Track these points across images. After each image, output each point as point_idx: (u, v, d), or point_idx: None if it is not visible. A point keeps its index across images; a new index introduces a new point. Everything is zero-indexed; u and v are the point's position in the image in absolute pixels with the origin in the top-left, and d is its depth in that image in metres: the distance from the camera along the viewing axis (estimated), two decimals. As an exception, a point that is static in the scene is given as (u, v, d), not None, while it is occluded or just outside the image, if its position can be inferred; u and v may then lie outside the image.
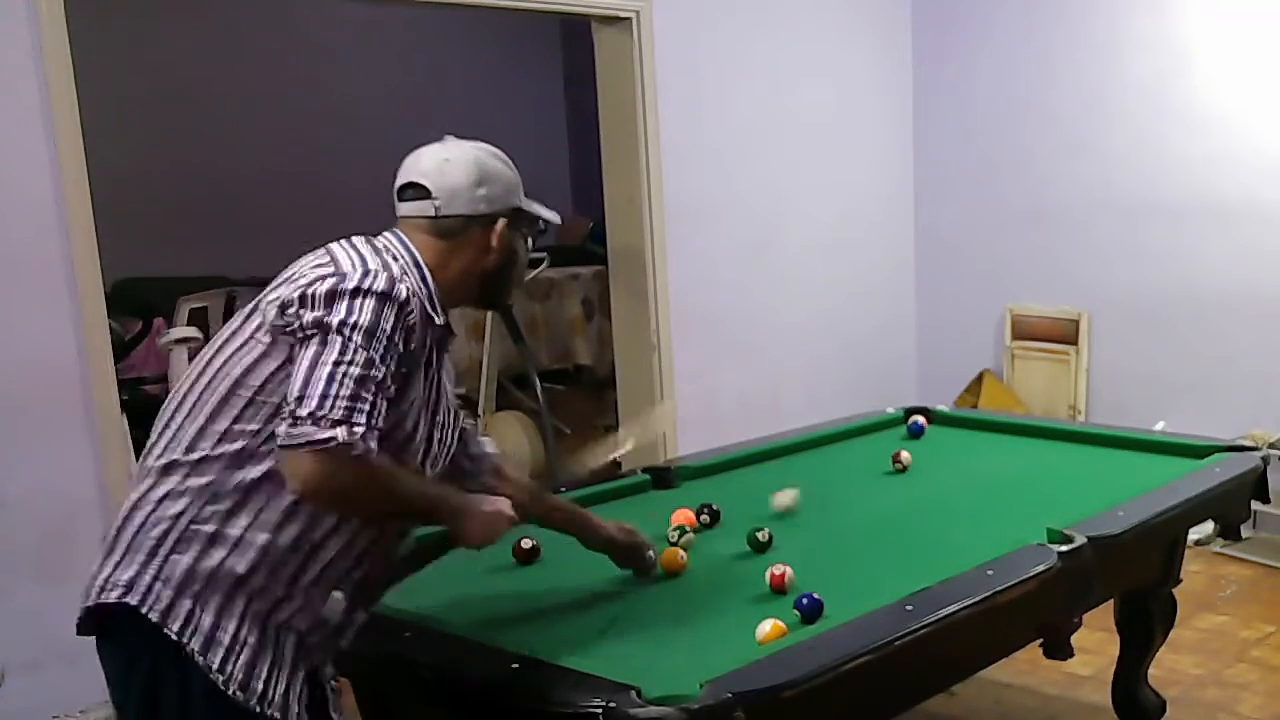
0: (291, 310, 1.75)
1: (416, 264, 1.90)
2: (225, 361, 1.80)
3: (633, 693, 1.67)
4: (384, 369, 1.73)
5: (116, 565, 1.76)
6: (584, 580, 2.36)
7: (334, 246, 1.89)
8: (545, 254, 7.02)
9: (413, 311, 1.79)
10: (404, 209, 1.98)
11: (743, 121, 5.10)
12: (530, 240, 2.09)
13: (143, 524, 1.76)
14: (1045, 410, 5.43)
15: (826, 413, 3.97)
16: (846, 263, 5.61)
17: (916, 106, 5.86)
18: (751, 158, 5.15)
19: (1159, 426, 4.58)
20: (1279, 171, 4.79)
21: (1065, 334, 5.48)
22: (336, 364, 1.69)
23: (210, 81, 7.93)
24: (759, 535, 2.47)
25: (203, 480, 1.75)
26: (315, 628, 1.81)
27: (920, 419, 3.59)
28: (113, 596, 1.74)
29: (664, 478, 3.06)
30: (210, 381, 1.80)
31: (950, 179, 5.82)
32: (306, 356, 1.71)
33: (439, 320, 1.91)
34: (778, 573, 2.22)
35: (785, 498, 2.76)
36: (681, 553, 2.39)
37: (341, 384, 1.68)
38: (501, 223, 1.98)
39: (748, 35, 5.10)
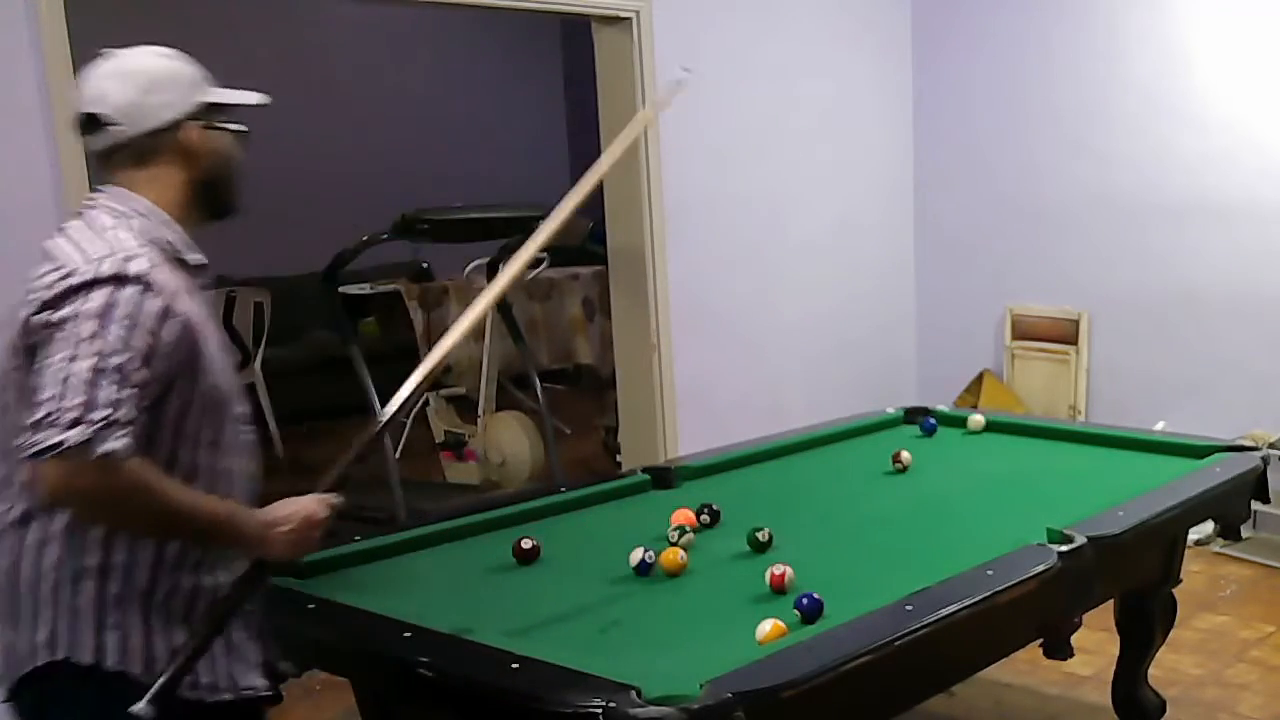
0: (37, 324, 1.65)
1: (145, 211, 1.77)
2: (5, 410, 1.72)
3: (633, 693, 1.67)
4: (125, 356, 1.60)
5: (31, 629, 1.71)
6: (584, 580, 2.37)
7: (53, 245, 1.76)
8: (545, 254, 7.03)
9: (152, 285, 1.66)
10: (92, 145, 1.80)
11: (743, 121, 5.10)
12: (239, 131, 1.91)
13: (33, 581, 1.70)
14: (1045, 410, 5.43)
15: (826, 413, 3.97)
16: (846, 262, 5.61)
17: (916, 106, 5.86)
18: (752, 157, 5.15)
19: (1159, 426, 4.59)
20: (1279, 171, 4.79)
21: (1065, 334, 5.47)
22: (71, 360, 1.58)
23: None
24: (759, 535, 2.47)
25: (59, 523, 1.69)
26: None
27: (933, 418, 3.60)
28: (41, 660, 1.70)
29: (664, 478, 3.05)
30: (6, 433, 1.71)
31: (950, 179, 5.82)
32: (44, 363, 1.61)
33: (194, 260, 1.83)
34: (778, 573, 2.22)
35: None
36: (681, 553, 2.39)
37: (70, 383, 1.57)
38: (192, 125, 1.82)
39: (748, 35, 5.10)
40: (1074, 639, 2.48)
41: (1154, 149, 5.11)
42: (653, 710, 1.62)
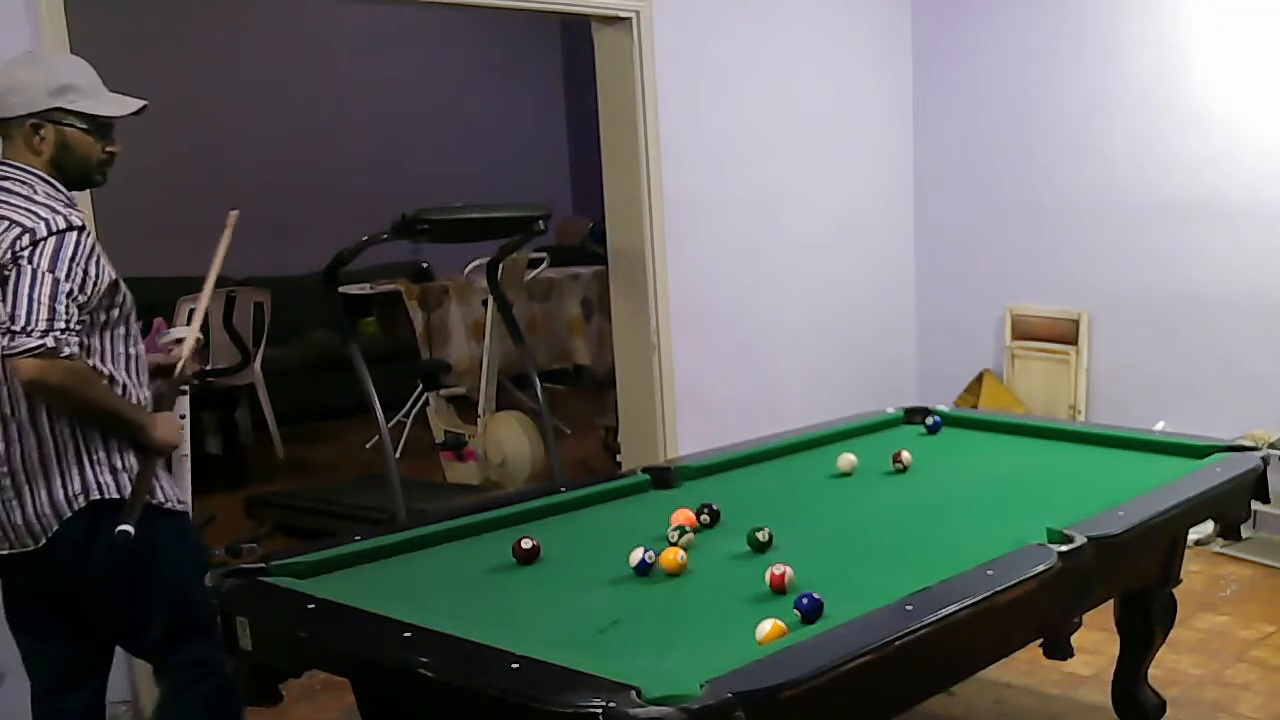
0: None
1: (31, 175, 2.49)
2: None
3: (633, 693, 1.67)
4: (70, 284, 2.36)
5: (61, 487, 2.48)
6: (584, 580, 2.37)
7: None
8: (545, 254, 7.04)
9: (83, 227, 2.41)
10: None
11: (743, 121, 5.10)
12: (102, 134, 2.55)
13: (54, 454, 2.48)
14: (1045, 410, 5.43)
15: (826, 413, 3.97)
16: (846, 262, 5.61)
17: (916, 106, 5.86)
18: (752, 157, 5.15)
19: (1159, 426, 4.59)
20: (1279, 171, 4.79)
21: (1065, 334, 5.47)
22: (33, 287, 2.33)
23: (211, 81, 7.94)
24: (759, 535, 2.47)
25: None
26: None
27: (938, 417, 3.60)
28: (78, 505, 2.48)
29: (664, 478, 3.05)
30: None
31: (950, 178, 5.82)
32: (15, 289, 2.33)
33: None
34: (778, 573, 2.21)
35: (845, 463, 3.06)
36: (681, 553, 2.39)
37: (38, 303, 2.33)
38: (34, 121, 2.47)
39: (748, 35, 5.10)
40: (1074, 639, 2.48)
41: (1154, 149, 5.11)
42: (653, 710, 1.62)
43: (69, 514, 2.48)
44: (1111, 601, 3.03)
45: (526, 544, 2.45)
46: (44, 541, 2.49)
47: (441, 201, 4.65)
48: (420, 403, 6.47)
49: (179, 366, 2.79)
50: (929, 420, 3.60)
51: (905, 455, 3.16)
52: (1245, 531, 3.17)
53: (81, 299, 2.38)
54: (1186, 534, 3.03)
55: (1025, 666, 3.49)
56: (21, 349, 2.31)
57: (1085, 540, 2.35)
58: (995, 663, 2.59)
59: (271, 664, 2.18)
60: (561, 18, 6.80)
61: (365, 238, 4.32)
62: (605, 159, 4.88)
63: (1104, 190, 5.30)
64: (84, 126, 2.51)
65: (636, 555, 2.36)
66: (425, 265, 7.50)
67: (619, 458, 5.21)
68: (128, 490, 2.51)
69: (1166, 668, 3.51)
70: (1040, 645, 2.49)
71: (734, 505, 2.74)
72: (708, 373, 5.01)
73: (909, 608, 2.02)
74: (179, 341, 2.88)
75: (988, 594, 2.12)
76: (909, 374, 5.97)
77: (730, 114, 5.04)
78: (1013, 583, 2.18)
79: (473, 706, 1.82)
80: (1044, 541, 2.35)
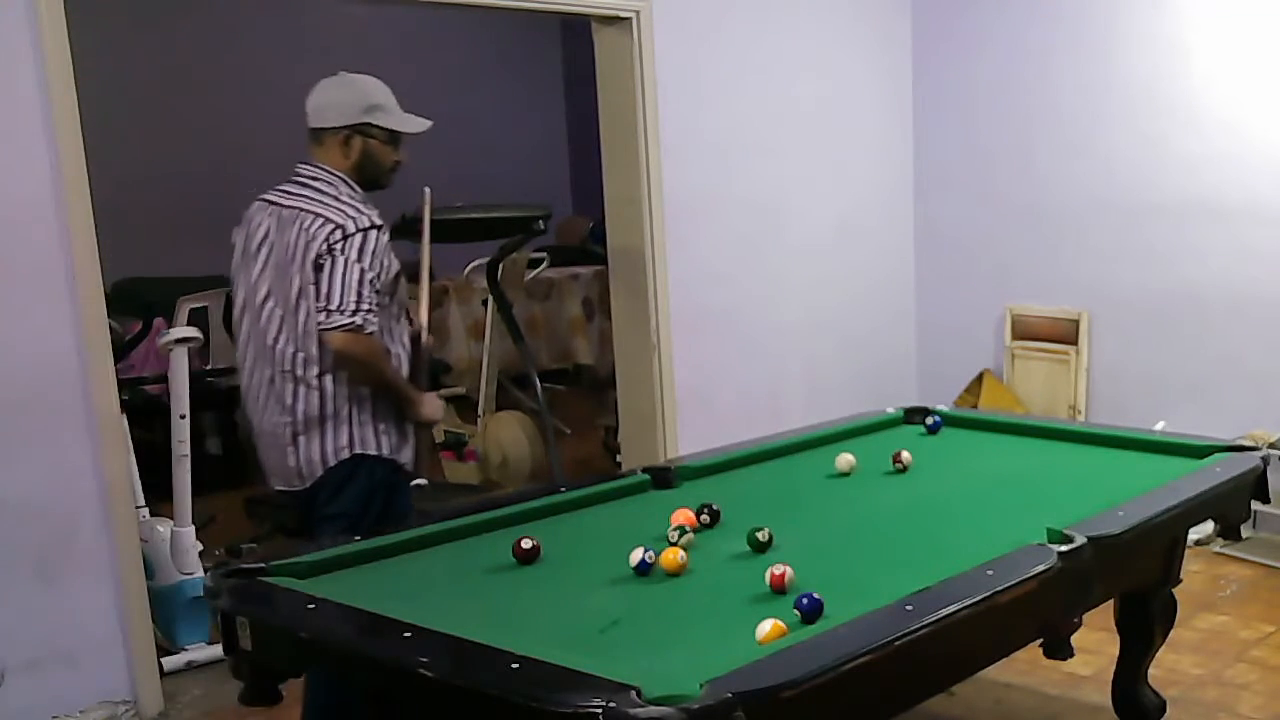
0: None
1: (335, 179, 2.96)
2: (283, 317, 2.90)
3: (633, 693, 1.66)
4: (372, 273, 2.82)
5: (334, 438, 2.91)
6: (584, 580, 2.37)
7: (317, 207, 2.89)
8: (545, 254, 7.04)
9: (381, 225, 2.89)
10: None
11: (743, 121, 5.10)
12: (395, 145, 3.03)
13: (333, 410, 2.90)
14: (1045, 410, 5.43)
15: (826, 413, 3.97)
16: (846, 262, 5.61)
17: (916, 106, 5.86)
18: (751, 157, 5.15)
19: (1159, 426, 4.58)
20: (1278, 171, 4.79)
21: (1065, 334, 5.47)
22: (345, 275, 2.80)
23: (211, 81, 7.94)
24: (759, 535, 2.47)
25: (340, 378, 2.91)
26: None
27: (938, 416, 3.60)
28: (345, 455, 2.91)
29: (664, 478, 3.05)
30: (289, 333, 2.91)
31: (950, 178, 5.82)
32: (330, 276, 2.80)
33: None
34: (778, 573, 2.21)
35: (843, 463, 3.08)
36: (681, 553, 2.39)
37: (348, 288, 2.79)
38: (346, 133, 2.94)
39: (748, 35, 5.10)
40: (1074, 639, 2.49)
41: (1154, 149, 5.11)
42: (653, 710, 1.62)
43: (334, 462, 2.91)
44: (1111, 601, 3.03)
45: (526, 544, 2.45)
46: (310, 484, 2.93)
47: (442, 202, 4.65)
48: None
49: (422, 336, 3.20)
50: (929, 420, 3.60)
51: (905, 455, 3.16)
52: (1245, 531, 3.16)
53: (378, 285, 2.85)
54: (1186, 534, 3.03)
55: (1025, 666, 3.49)
56: (334, 325, 2.78)
57: (1085, 540, 2.35)
58: (995, 663, 2.59)
59: (271, 664, 2.18)
60: (561, 18, 6.80)
61: (365, 238, 4.32)
62: (605, 159, 4.88)
63: (1104, 190, 5.30)
64: (384, 139, 2.99)
65: (636, 555, 2.36)
66: (425, 265, 7.49)
67: (619, 458, 5.21)
68: (384, 448, 2.97)
69: (1166, 668, 3.51)
70: (1040, 645, 2.50)
71: (734, 505, 2.74)
72: (707, 373, 5.01)
73: (909, 608, 2.02)
74: (410, 314, 3.24)
75: (988, 594, 2.12)
76: (909, 374, 5.97)
77: (730, 114, 5.04)
78: (1013, 583, 2.18)
79: (473, 706, 1.82)
80: (1044, 541, 2.35)
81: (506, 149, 9.48)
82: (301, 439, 2.91)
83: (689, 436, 4.77)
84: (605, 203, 4.93)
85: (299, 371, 2.88)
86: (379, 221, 2.87)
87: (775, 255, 5.30)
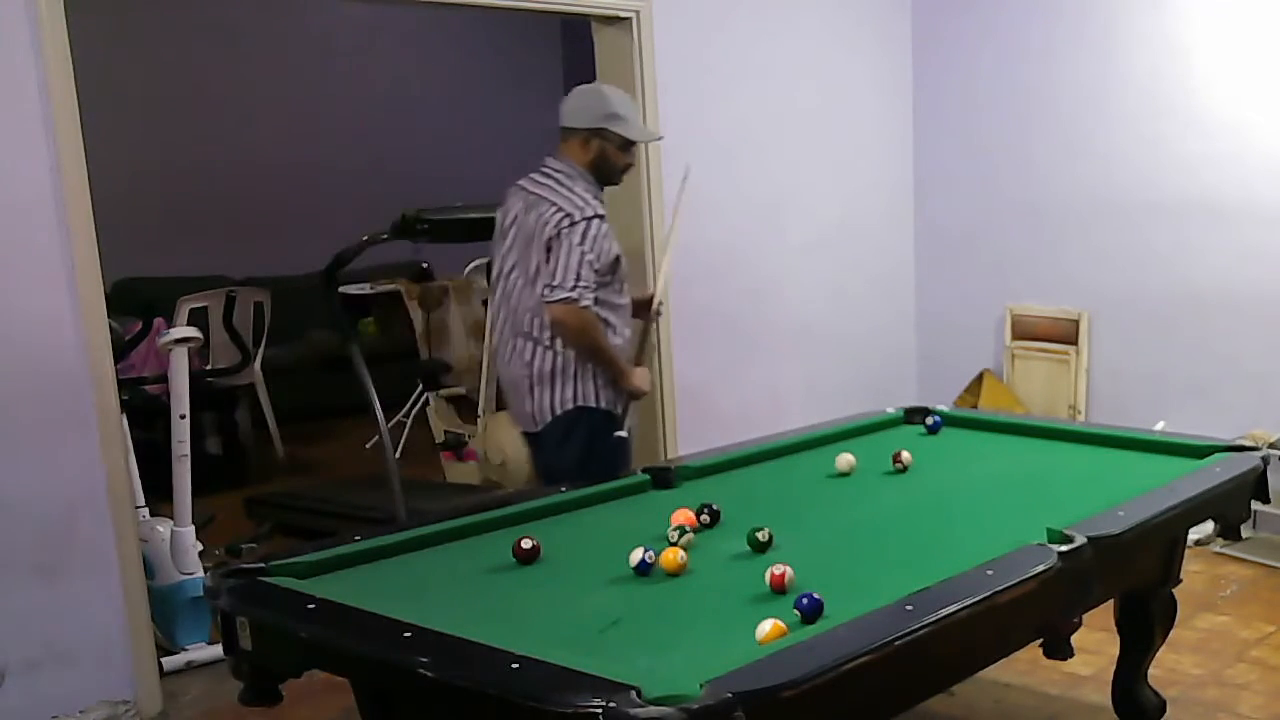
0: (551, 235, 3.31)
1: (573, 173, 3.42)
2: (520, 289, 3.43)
3: (633, 693, 1.67)
4: (591, 255, 3.27)
5: (560, 391, 3.40)
6: (584, 580, 2.37)
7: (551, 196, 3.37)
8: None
9: (603, 215, 3.36)
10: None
11: (743, 121, 5.10)
12: (627, 151, 3.45)
13: (561, 368, 3.39)
14: (1045, 410, 5.43)
15: (826, 413, 3.97)
16: (847, 262, 5.61)
17: (916, 106, 5.86)
18: (751, 157, 5.15)
19: (1159, 426, 4.58)
20: (1279, 171, 4.79)
21: (1065, 334, 5.47)
22: (568, 256, 3.26)
23: (210, 81, 7.94)
24: (759, 535, 2.47)
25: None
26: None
27: (938, 416, 3.60)
28: (569, 406, 3.41)
29: (664, 478, 3.05)
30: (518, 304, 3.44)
31: (950, 178, 5.82)
32: (556, 256, 3.27)
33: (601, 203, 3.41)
34: (778, 573, 2.21)
35: (843, 463, 3.12)
36: (681, 553, 2.39)
37: (569, 268, 3.26)
38: (586, 134, 3.39)
39: (748, 35, 5.10)
40: (1074, 639, 2.49)
41: (1154, 149, 5.11)
42: (653, 710, 1.62)
43: (560, 411, 3.41)
44: (1111, 601, 3.03)
45: (526, 544, 2.45)
46: (541, 427, 3.45)
47: (441, 201, 4.65)
48: (420, 403, 6.47)
49: (654, 304, 3.71)
50: (929, 420, 3.61)
51: (905, 455, 3.16)
52: (1245, 531, 3.16)
53: (598, 266, 3.30)
54: (1186, 534, 3.03)
55: (1025, 666, 3.49)
56: (555, 298, 3.26)
57: (1085, 540, 2.35)
58: (995, 663, 2.58)
59: (271, 664, 2.18)
60: (561, 18, 6.79)
61: (365, 238, 4.33)
62: (605, 159, 4.87)
63: (1104, 190, 5.30)
64: (618, 145, 3.42)
65: (636, 555, 2.36)
66: (425, 265, 7.50)
67: (619, 458, 5.20)
68: (602, 402, 3.43)
69: (1166, 668, 3.51)
70: (1040, 645, 2.49)
71: (734, 505, 2.74)
72: (708, 373, 5.01)
73: (909, 608, 2.02)
74: (649, 285, 3.77)
75: (988, 594, 2.12)
76: (909, 374, 5.97)
77: (730, 114, 5.04)
78: (1013, 583, 2.18)
79: (473, 706, 1.82)
80: (1044, 541, 2.35)
81: (506, 149, 9.47)
82: (537, 389, 3.42)
83: (689, 436, 4.77)
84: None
85: (535, 334, 3.39)
86: (602, 211, 3.34)
87: (775, 255, 5.30)
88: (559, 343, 3.37)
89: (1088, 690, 3.51)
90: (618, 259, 3.40)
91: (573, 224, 3.28)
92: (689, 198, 3.82)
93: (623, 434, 3.45)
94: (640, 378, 3.49)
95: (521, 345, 3.43)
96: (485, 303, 6.04)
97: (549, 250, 3.29)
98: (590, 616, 2.15)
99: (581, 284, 3.26)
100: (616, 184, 3.55)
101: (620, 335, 3.49)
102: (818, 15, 5.38)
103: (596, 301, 3.33)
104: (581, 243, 3.26)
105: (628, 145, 3.45)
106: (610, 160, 3.44)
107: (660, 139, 3.88)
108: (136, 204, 7.11)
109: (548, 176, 3.40)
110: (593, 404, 3.42)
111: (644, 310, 3.70)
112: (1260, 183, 4.83)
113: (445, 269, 7.48)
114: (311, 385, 7.48)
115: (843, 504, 2.92)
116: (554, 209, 3.31)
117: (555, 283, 3.25)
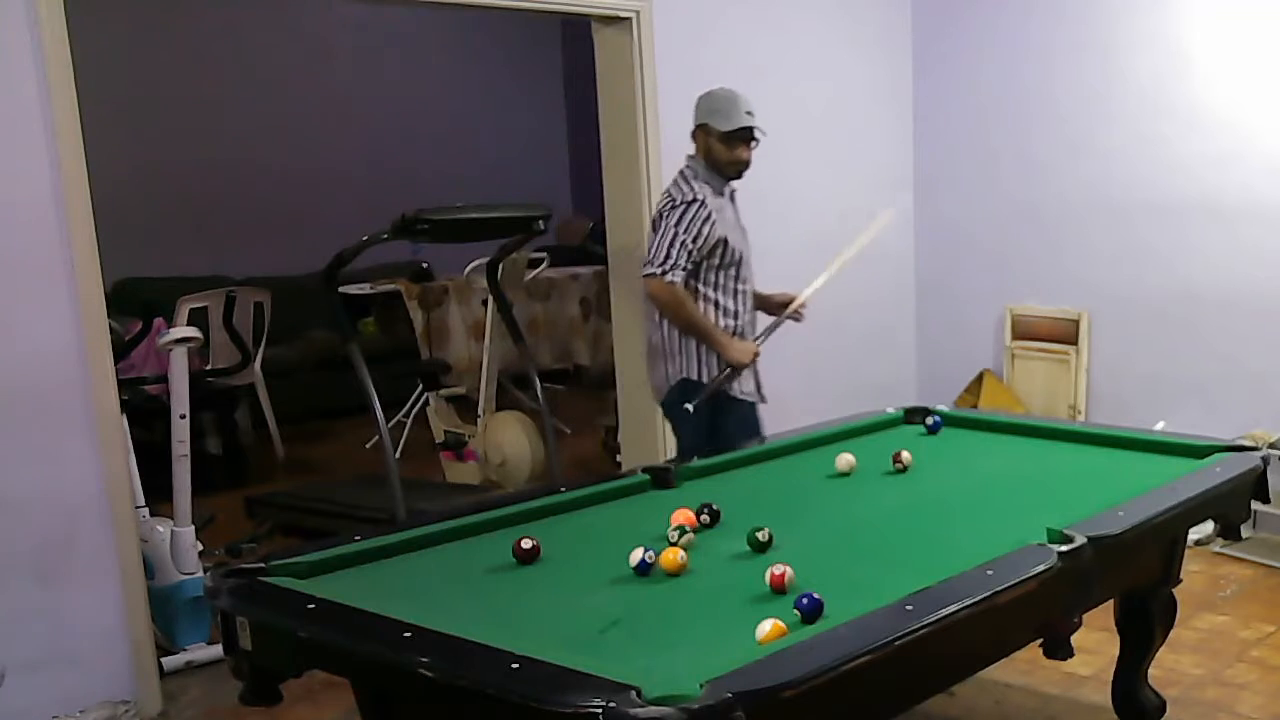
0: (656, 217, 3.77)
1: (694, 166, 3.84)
2: None
3: (633, 693, 1.66)
4: (685, 237, 3.65)
5: (673, 365, 3.80)
6: (584, 580, 2.37)
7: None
8: (545, 254, 7.04)
9: (702, 200, 3.70)
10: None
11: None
12: (728, 145, 3.78)
13: (669, 342, 3.81)
14: (1045, 410, 5.43)
15: (826, 413, 3.97)
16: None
17: (916, 106, 5.86)
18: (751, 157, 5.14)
19: (1159, 426, 4.59)
20: (1279, 171, 4.79)
21: (1065, 334, 5.48)
22: (662, 235, 3.67)
23: (210, 82, 7.94)
24: (759, 535, 2.47)
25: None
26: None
27: (938, 416, 3.60)
28: (675, 380, 3.79)
29: (664, 478, 3.05)
30: None
31: (950, 178, 5.82)
32: (655, 235, 3.70)
33: (713, 192, 3.79)
34: (778, 573, 2.21)
35: (843, 463, 3.12)
36: (681, 553, 2.39)
37: (661, 245, 3.66)
38: (694, 131, 3.83)
39: (748, 35, 5.10)
40: (1074, 639, 2.48)
41: (1154, 149, 5.11)
42: (653, 710, 1.62)
43: (670, 384, 3.81)
44: (1111, 601, 3.03)
45: (526, 544, 2.45)
46: (661, 399, 3.89)
47: (441, 201, 4.65)
48: (420, 403, 6.47)
49: (795, 305, 4.02)
50: (929, 420, 3.61)
51: (905, 455, 3.15)
52: (1245, 531, 3.16)
53: (692, 247, 3.66)
54: (1186, 534, 3.03)
55: (1025, 666, 3.49)
56: (646, 273, 3.66)
57: (1085, 540, 2.35)
58: (995, 663, 2.59)
59: (271, 664, 2.18)
60: (561, 18, 6.79)
61: (365, 238, 4.32)
62: (605, 159, 4.88)
63: (1104, 190, 5.30)
64: (718, 138, 3.78)
65: (636, 555, 2.36)
66: (425, 265, 7.50)
67: (619, 458, 5.20)
68: (705, 376, 3.75)
69: (1166, 668, 3.51)
70: (1040, 645, 2.49)
71: (734, 505, 2.74)
72: (708, 373, 5.00)
73: (909, 608, 2.02)
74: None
75: (988, 594, 2.12)
76: (909, 374, 5.96)
77: (730, 114, 5.03)
78: (1013, 583, 2.17)
79: (473, 706, 1.82)
80: (1044, 541, 2.35)
81: (506, 149, 9.49)
82: (658, 363, 3.85)
83: (689, 436, 4.76)
84: (605, 203, 4.93)
85: (654, 315, 3.80)
86: (700, 197, 3.68)
87: (775, 254, 5.27)
88: (666, 321, 3.74)
89: (1088, 690, 3.51)
90: (723, 242, 3.71)
91: (673, 207, 3.67)
92: (878, 235, 4.20)
93: (689, 406, 3.68)
94: (740, 350, 3.74)
95: (647, 323, 3.88)
96: (485, 303, 6.06)
97: (654, 229, 3.71)
98: (590, 616, 2.15)
99: (671, 262, 3.60)
100: (732, 175, 3.85)
101: (734, 317, 3.80)
102: (818, 15, 5.38)
103: (703, 281, 3.72)
104: (677, 224, 3.63)
105: (728, 139, 3.76)
106: (714, 152, 3.79)
107: (748, 124, 3.79)
108: (136, 204, 7.11)
109: (683, 165, 3.82)
110: (695, 377, 3.74)
111: (780, 308, 4.02)
112: (1260, 183, 4.83)
113: (445, 269, 7.49)
114: (311, 385, 7.49)
115: (843, 504, 2.92)
116: (664, 193, 3.79)
117: (648, 259, 3.64)
